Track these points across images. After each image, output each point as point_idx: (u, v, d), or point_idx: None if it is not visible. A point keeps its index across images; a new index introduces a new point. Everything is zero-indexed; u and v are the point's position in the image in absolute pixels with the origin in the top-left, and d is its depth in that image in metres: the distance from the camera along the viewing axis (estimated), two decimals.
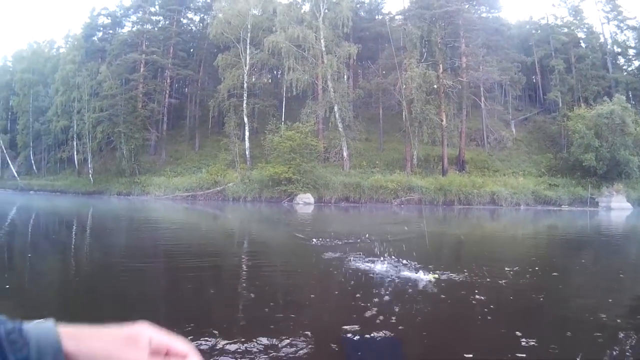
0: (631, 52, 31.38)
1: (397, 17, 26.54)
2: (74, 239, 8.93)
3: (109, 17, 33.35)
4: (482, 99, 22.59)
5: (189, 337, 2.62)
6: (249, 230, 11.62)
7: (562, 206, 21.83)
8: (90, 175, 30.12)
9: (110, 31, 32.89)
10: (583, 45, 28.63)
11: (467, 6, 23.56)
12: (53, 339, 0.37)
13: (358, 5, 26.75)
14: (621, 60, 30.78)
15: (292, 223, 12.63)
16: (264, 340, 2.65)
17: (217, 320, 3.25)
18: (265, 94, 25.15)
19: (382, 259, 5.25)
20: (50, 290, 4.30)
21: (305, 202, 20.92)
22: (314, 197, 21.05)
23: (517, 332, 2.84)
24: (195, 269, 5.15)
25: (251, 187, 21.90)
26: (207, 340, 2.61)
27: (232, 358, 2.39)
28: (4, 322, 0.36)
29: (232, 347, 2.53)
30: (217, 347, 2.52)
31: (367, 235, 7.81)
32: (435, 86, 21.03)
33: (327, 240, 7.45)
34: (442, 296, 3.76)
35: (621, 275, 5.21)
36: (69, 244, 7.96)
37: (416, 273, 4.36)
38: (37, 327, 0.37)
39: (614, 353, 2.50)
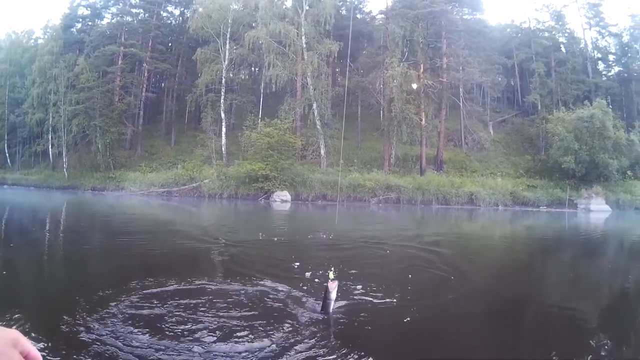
0: (612, 57, 31.94)
1: (378, 17, 26.46)
2: None
3: (89, 8, 32.48)
4: (462, 99, 22.57)
5: None
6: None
7: (541, 207, 21.92)
8: (65, 170, 29.25)
9: (90, 22, 32.03)
10: (564, 49, 28.97)
11: (450, 7, 23.57)
12: None
13: (340, 3, 26.54)
14: (601, 66, 31.27)
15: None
16: None
17: None
18: (243, 90, 24.71)
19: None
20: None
21: (282, 200, 20.56)
22: (291, 195, 20.70)
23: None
24: None
25: (227, 183, 21.44)
26: None
27: None
28: None
29: None
30: None
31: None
32: (414, 86, 20.88)
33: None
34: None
35: (600, 276, 5.04)
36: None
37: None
38: None
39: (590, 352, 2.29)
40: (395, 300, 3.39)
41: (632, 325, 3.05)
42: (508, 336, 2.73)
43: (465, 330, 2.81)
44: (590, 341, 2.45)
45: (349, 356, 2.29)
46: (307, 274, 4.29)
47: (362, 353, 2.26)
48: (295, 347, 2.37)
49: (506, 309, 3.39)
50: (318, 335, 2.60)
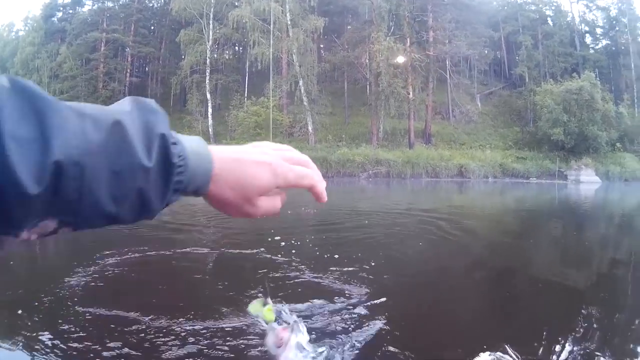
0: (599, 31, 31.96)
1: None
2: None
3: None
4: (449, 72, 22.46)
5: None
6: None
7: (531, 179, 22.01)
8: None
9: (70, 10, 31.39)
10: (551, 23, 28.91)
11: None
12: (207, 165, 0.33)
13: None
14: (589, 39, 31.30)
15: None
16: None
17: None
18: (228, 70, 24.37)
19: None
20: None
21: None
22: None
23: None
24: None
25: None
26: None
27: None
28: (174, 138, 0.31)
29: None
30: None
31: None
32: (401, 60, 20.71)
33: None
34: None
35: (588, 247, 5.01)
36: None
37: None
38: (193, 150, 0.32)
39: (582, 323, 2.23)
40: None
41: (620, 290, 3.05)
42: (504, 303, 2.68)
43: (463, 300, 2.72)
44: (582, 308, 2.42)
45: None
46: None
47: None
48: None
49: (500, 279, 3.34)
50: None
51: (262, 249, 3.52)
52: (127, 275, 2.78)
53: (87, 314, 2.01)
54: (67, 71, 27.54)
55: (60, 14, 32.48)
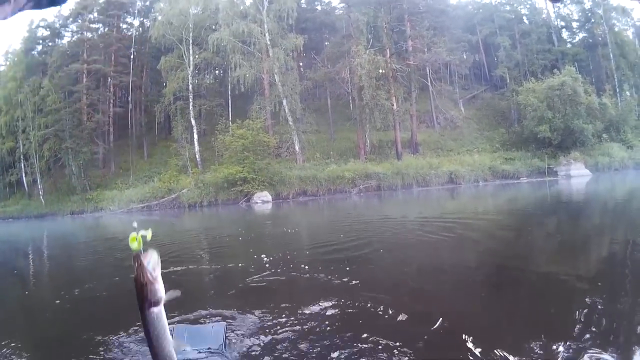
0: (575, 25, 32.41)
1: (339, 5, 26.34)
2: None
3: (48, 29, 31.58)
4: (430, 80, 22.64)
5: None
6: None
7: (521, 179, 22.11)
8: (41, 197, 28.53)
9: (50, 43, 31.22)
10: (527, 21, 29.27)
11: None
12: None
13: None
14: (565, 34, 31.72)
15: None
16: None
17: None
18: (211, 94, 24.36)
19: None
20: None
21: (263, 201, 20.34)
22: (272, 195, 20.50)
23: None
24: None
25: (206, 191, 21.12)
26: None
27: None
28: None
29: None
30: None
31: None
32: (382, 71, 20.86)
33: None
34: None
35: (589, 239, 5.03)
36: None
37: None
38: None
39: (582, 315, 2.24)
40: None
41: (617, 279, 3.08)
42: (509, 297, 2.71)
43: (468, 297, 2.74)
44: (586, 298, 2.42)
45: None
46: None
47: None
48: None
49: (502, 277, 3.38)
50: None
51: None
52: None
53: None
54: (51, 104, 27.33)
55: (40, 47, 32.28)
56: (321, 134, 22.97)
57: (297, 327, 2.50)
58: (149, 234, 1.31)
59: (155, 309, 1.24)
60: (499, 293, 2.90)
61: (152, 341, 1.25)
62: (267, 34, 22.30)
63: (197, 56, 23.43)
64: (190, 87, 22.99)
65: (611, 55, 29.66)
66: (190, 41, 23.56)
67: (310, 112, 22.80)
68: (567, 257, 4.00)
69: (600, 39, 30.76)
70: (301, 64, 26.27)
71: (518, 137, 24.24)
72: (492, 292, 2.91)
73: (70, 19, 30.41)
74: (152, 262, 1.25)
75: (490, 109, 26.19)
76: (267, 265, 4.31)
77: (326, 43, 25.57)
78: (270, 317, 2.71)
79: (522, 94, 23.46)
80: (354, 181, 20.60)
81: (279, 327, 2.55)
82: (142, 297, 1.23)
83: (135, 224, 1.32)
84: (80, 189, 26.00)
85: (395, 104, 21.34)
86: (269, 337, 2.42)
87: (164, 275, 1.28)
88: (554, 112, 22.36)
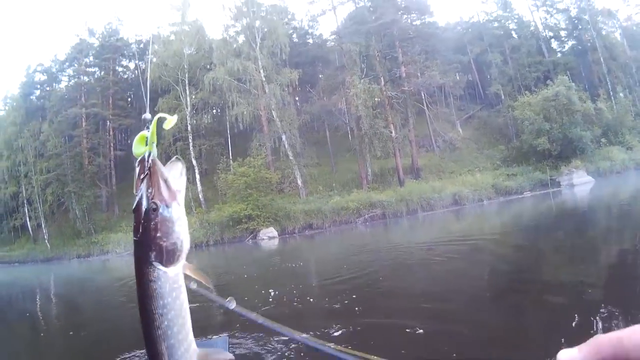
0: (563, 33, 32.89)
1: (331, 37, 26.78)
2: None
3: (45, 74, 32.13)
4: (426, 104, 22.85)
5: None
6: None
7: (525, 193, 22.08)
8: (47, 241, 28.55)
9: (48, 88, 31.69)
10: (515, 35, 29.69)
11: (404, 15, 23.92)
12: None
13: (291, 31, 26.79)
14: (555, 44, 32.17)
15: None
16: None
17: None
18: (210, 134, 24.61)
19: None
20: None
21: (269, 237, 20.30)
22: (277, 230, 20.47)
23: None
24: None
25: (211, 230, 21.12)
26: None
27: None
28: None
29: None
30: None
31: None
32: (377, 99, 21.07)
33: None
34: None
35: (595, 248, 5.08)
36: None
37: None
38: None
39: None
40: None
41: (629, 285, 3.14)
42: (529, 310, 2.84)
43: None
44: (601, 309, 2.47)
45: None
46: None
47: None
48: None
49: (519, 292, 3.49)
50: None
51: None
52: None
53: None
54: (52, 149, 27.59)
55: (38, 92, 32.75)
56: (322, 166, 23.10)
57: (303, 347, 2.56)
58: (170, 120, 0.74)
59: (163, 269, 0.65)
60: (511, 313, 2.97)
61: (152, 332, 0.64)
62: (261, 71, 22.61)
63: (194, 96, 23.72)
64: (189, 127, 23.22)
65: (602, 59, 29.97)
66: (187, 81, 23.89)
67: (310, 146, 22.97)
68: (577, 268, 4.07)
69: (589, 44, 31.17)
70: (297, 98, 26.59)
71: (518, 152, 24.32)
72: (504, 311, 2.99)
73: (67, 63, 30.95)
74: (174, 174, 0.70)
75: (488, 127, 26.37)
76: (270, 299, 4.48)
77: (320, 76, 25.90)
78: (275, 338, 2.78)
79: (518, 108, 23.64)
80: (359, 211, 20.60)
81: (283, 345, 2.64)
82: (145, 238, 0.66)
83: (147, 115, 0.75)
84: (85, 232, 26.03)
85: (393, 131, 21.50)
86: (272, 354, 2.50)
87: None
88: (551, 123, 22.49)
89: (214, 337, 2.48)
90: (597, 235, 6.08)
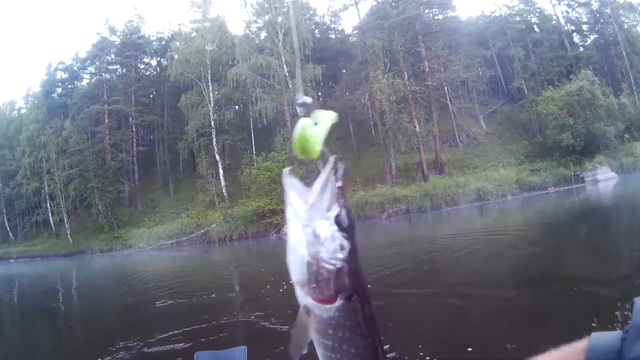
0: (585, 27, 32.34)
1: (353, 32, 26.67)
2: None
3: (66, 72, 32.62)
4: (449, 98, 22.68)
5: None
6: None
7: (549, 189, 21.79)
8: (69, 236, 29.00)
9: (70, 85, 32.16)
10: (538, 30, 29.28)
11: (426, 10, 23.73)
12: None
13: (313, 27, 26.76)
14: (577, 38, 31.65)
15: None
16: None
17: None
18: (234, 129, 24.73)
19: None
20: None
21: None
22: None
23: None
24: None
25: (235, 225, 21.25)
26: None
27: None
28: None
29: None
30: None
31: None
32: (401, 94, 20.96)
33: None
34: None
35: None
36: None
37: None
38: None
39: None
40: None
41: None
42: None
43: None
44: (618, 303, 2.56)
45: None
46: None
47: None
48: None
49: (542, 288, 3.66)
50: None
51: None
52: None
53: None
54: (74, 146, 27.97)
55: (59, 90, 33.27)
56: (346, 161, 22.61)
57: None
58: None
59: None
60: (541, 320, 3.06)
61: None
62: (284, 66, 22.64)
63: (217, 92, 23.85)
64: (212, 123, 23.36)
65: (624, 53, 29.41)
66: (209, 77, 24.02)
67: (333, 140, 22.96)
68: (601, 265, 4.10)
69: (611, 38, 30.60)
70: (320, 93, 26.57)
71: (541, 148, 24.01)
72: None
73: (88, 61, 31.37)
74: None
75: (511, 122, 26.06)
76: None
77: (343, 71, 25.83)
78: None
79: (542, 103, 23.33)
80: (383, 206, 20.54)
81: None
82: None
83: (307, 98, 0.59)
84: (107, 227, 26.38)
85: (417, 126, 21.38)
86: None
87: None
88: (575, 118, 22.15)
89: (233, 348, 2.49)
90: (619, 233, 6.08)
